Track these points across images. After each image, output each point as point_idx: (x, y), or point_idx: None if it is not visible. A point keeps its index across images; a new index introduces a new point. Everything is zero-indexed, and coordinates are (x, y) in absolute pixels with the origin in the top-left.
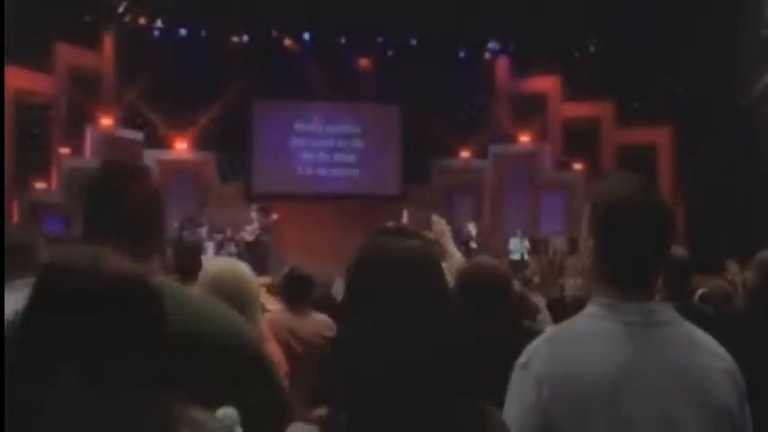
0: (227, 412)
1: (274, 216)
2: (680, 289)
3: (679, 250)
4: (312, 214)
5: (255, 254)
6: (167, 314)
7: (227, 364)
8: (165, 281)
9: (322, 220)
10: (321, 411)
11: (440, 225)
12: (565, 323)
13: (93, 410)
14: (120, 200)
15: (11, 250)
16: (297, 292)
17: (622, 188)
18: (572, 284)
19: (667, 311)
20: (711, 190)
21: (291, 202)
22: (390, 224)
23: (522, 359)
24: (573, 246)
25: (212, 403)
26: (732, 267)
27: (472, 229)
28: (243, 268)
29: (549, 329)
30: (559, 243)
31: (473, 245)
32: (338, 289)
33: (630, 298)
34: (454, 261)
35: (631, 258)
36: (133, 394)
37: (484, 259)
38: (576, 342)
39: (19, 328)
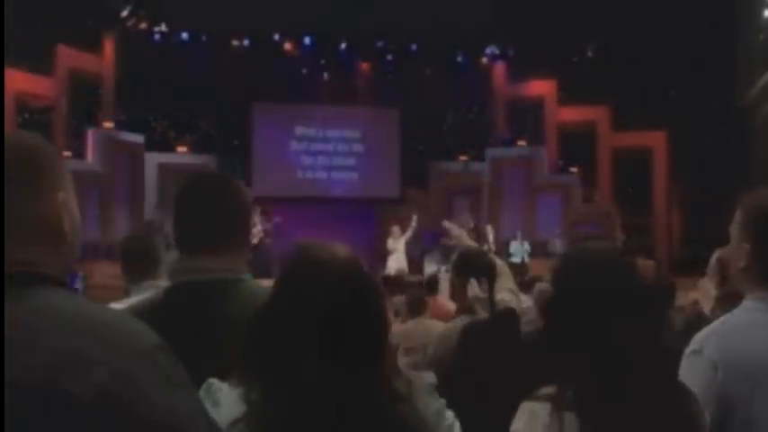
0: (426, 375)
1: (276, 219)
2: None
3: None
4: (312, 217)
5: (257, 257)
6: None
7: None
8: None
9: (321, 223)
10: (549, 390)
11: (455, 230)
12: (724, 317)
13: (334, 380)
14: (218, 209)
15: (136, 256)
16: None
17: None
18: None
19: None
20: (706, 193)
21: (291, 206)
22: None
23: (692, 347)
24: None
25: None
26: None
27: (489, 231)
28: None
29: (716, 322)
30: (559, 246)
31: (492, 248)
32: None
33: None
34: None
35: None
36: (364, 363)
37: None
38: (739, 331)
39: (272, 305)
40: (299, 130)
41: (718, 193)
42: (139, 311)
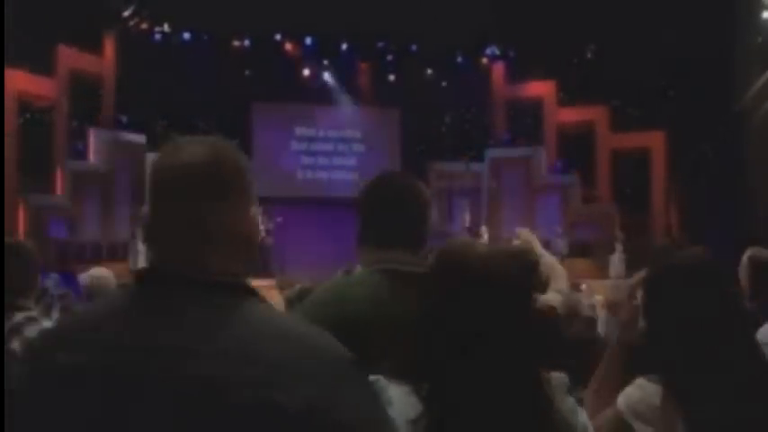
0: (558, 375)
1: (278, 219)
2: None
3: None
4: (312, 217)
5: (259, 257)
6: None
7: None
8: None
9: (321, 223)
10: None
11: (525, 234)
12: None
13: (495, 379)
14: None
15: None
16: None
17: None
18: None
19: None
20: (703, 193)
21: (291, 206)
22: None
23: None
24: (570, 249)
25: None
26: None
27: (484, 232)
28: None
29: None
30: (562, 246)
31: None
32: None
33: None
34: (545, 260)
35: None
36: (520, 362)
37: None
38: None
39: (430, 307)
40: (300, 131)
41: (716, 193)
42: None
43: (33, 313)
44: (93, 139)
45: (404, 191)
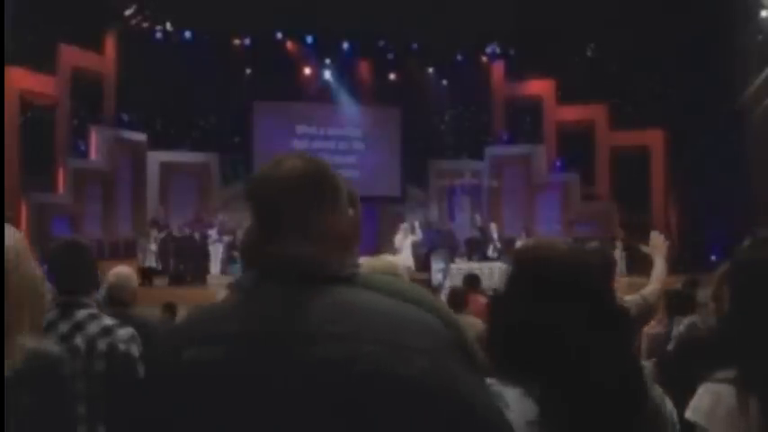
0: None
1: None
2: None
3: None
4: None
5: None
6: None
7: None
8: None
9: None
10: (728, 374)
11: (657, 239)
12: None
13: (600, 373)
14: None
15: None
16: None
17: None
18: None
19: None
20: (703, 191)
21: None
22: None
23: None
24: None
25: None
26: None
27: (493, 230)
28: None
29: None
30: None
31: (498, 245)
32: None
33: None
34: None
35: None
36: (620, 354)
37: None
38: None
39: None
40: (300, 129)
41: (715, 191)
42: None
43: (95, 310)
44: (95, 137)
45: None
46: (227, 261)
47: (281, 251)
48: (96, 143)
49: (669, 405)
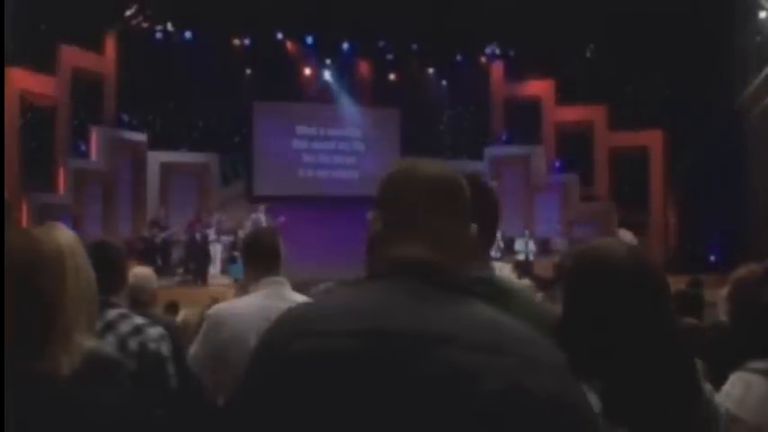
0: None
1: (282, 218)
2: None
3: None
4: (312, 216)
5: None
6: None
7: None
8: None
9: (322, 221)
10: (760, 364)
11: (626, 237)
12: None
13: (660, 369)
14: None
15: (265, 252)
16: None
17: None
18: None
19: None
20: (702, 191)
21: (292, 204)
22: None
23: None
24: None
25: None
26: None
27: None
28: None
29: None
30: (561, 244)
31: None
32: None
33: None
34: None
35: None
36: (677, 351)
37: None
38: None
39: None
40: (301, 129)
41: (714, 191)
42: None
43: (125, 310)
44: (95, 137)
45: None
46: (228, 261)
47: (413, 254)
48: (96, 143)
49: (717, 399)
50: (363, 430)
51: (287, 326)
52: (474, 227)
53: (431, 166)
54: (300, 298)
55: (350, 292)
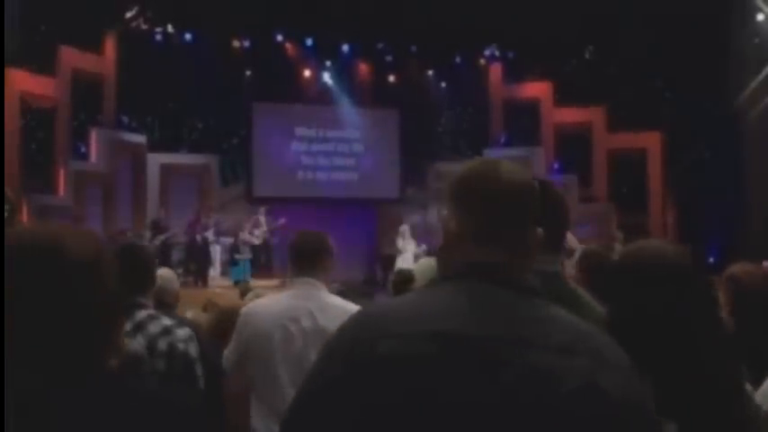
0: None
1: (282, 220)
2: None
3: None
4: (312, 217)
5: (260, 257)
6: None
7: None
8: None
9: (321, 223)
10: None
11: (573, 242)
12: None
13: (712, 365)
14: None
15: (302, 253)
16: None
17: None
18: None
19: None
20: (700, 193)
21: (291, 206)
22: None
23: None
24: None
25: None
26: None
27: None
28: None
29: None
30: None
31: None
32: None
33: None
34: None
35: None
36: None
37: None
38: None
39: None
40: (300, 131)
41: (712, 193)
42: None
43: (153, 311)
44: (95, 139)
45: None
46: (228, 263)
47: (487, 257)
48: (96, 145)
49: (759, 399)
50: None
51: (369, 326)
52: (540, 231)
53: (508, 170)
54: (332, 299)
55: (426, 293)
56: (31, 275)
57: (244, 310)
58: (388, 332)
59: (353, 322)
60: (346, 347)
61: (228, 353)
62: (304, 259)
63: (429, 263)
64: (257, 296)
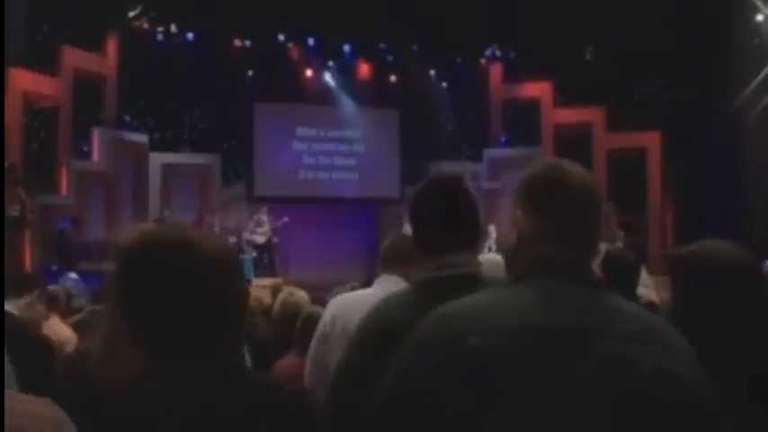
0: None
1: (285, 219)
2: None
3: None
4: (312, 217)
5: (263, 256)
6: None
7: None
8: None
9: (322, 222)
10: None
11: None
12: None
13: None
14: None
15: (387, 254)
16: None
17: None
18: None
19: None
20: (700, 193)
21: (292, 206)
22: None
23: None
24: None
25: None
26: None
27: (492, 231)
28: None
29: None
30: None
31: (492, 247)
32: None
33: None
34: None
35: None
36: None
37: None
38: None
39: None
40: (301, 131)
41: (712, 192)
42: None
43: None
44: (97, 138)
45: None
46: None
47: (557, 255)
48: (98, 145)
49: None
50: (538, 421)
51: (454, 323)
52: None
53: (577, 173)
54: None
55: (502, 291)
56: (171, 268)
57: (328, 305)
58: (474, 328)
59: (436, 320)
60: (434, 342)
61: (312, 348)
62: (389, 259)
63: (496, 260)
64: (291, 294)
